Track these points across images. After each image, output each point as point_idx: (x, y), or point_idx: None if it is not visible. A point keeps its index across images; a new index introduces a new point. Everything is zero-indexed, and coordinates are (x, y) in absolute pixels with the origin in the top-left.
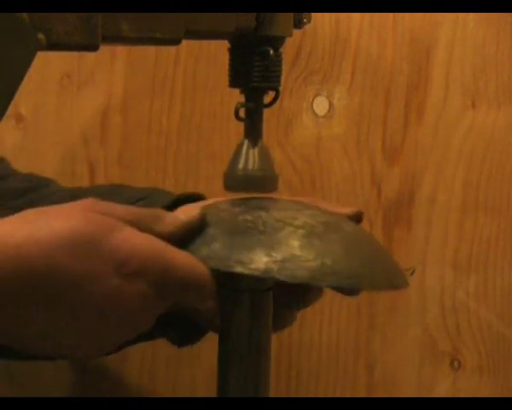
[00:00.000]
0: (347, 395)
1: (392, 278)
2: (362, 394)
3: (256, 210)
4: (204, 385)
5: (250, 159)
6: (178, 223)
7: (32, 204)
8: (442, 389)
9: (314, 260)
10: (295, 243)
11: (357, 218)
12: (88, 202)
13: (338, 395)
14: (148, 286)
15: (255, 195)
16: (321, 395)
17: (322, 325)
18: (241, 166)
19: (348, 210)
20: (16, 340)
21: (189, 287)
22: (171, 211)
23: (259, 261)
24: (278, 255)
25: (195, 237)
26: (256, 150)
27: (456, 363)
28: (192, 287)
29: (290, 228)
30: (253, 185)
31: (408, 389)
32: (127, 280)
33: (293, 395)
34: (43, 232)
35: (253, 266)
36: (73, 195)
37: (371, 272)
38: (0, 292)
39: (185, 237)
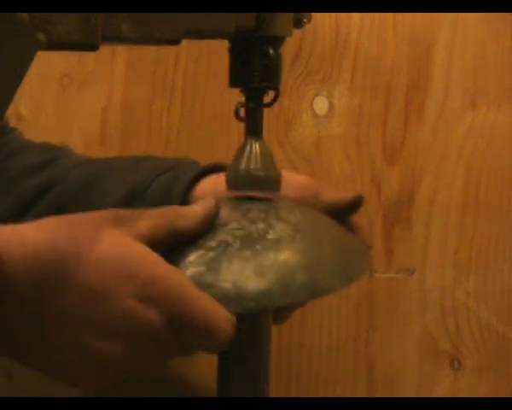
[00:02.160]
0: (347, 395)
1: (339, 275)
2: (362, 394)
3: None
4: (204, 385)
5: (252, 159)
6: (198, 218)
7: (51, 181)
8: (442, 388)
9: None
10: (202, 269)
11: (356, 202)
12: (110, 217)
13: (338, 395)
14: (160, 317)
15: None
16: (321, 395)
17: (323, 324)
18: (243, 165)
19: (348, 195)
20: (24, 355)
21: (205, 331)
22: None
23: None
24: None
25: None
26: (258, 150)
27: (456, 363)
28: (209, 332)
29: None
30: (256, 185)
31: (408, 389)
32: (142, 304)
33: (293, 395)
34: (68, 245)
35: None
36: (93, 173)
37: (284, 286)
38: (15, 297)
39: (204, 230)
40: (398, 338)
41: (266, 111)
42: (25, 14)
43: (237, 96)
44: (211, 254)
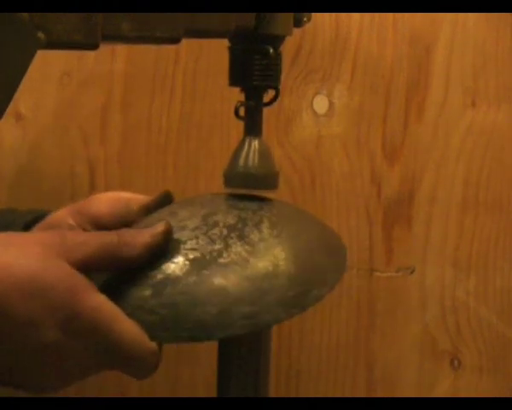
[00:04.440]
0: (347, 394)
1: (287, 305)
2: (362, 393)
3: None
4: (204, 385)
5: (250, 157)
6: (143, 247)
7: None
8: (442, 388)
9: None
10: (147, 292)
11: (165, 198)
12: (53, 240)
13: (338, 394)
14: (85, 350)
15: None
16: (321, 394)
17: (323, 324)
18: (241, 163)
19: (156, 195)
20: None
21: (130, 362)
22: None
23: None
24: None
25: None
26: (256, 148)
27: (456, 362)
28: (133, 363)
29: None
30: (254, 183)
31: (408, 389)
32: (67, 336)
33: (293, 395)
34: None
35: None
36: None
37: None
38: None
39: (152, 256)
40: (398, 337)
41: (266, 110)
42: (25, 14)
43: (237, 95)
44: (159, 276)
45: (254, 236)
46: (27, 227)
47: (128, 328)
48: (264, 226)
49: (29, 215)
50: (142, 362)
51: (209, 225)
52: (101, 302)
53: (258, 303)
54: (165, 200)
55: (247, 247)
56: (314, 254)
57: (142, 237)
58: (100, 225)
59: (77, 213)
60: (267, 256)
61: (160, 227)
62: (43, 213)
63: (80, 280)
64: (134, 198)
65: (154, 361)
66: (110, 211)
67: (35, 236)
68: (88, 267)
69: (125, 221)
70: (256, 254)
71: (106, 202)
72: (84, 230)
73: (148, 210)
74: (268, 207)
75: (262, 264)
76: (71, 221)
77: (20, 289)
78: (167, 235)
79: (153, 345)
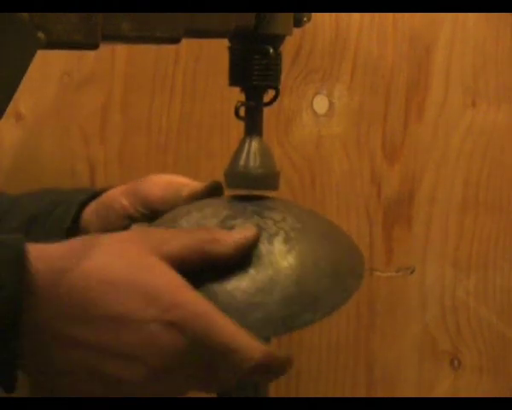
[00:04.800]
0: (347, 394)
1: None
2: (362, 393)
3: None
4: None
5: (251, 157)
6: (233, 244)
7: None
8: (442, 388)
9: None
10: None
11: (213, 188)
12: (137, 235)
13: (338, 394)
14: (183, 342)
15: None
16: (321, 394)
17: (322, 324)
18: (241, 163)
19: (206, 184)
20: (37, 378)
21: (228, 358)
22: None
23: None
24: None
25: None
26: (257, 148)
27: (456, 362)
28: (232, 360)
29: None
30: (254, 183)
31: (408, 389)
32: (165, 329)
33: (293, 394)
34: (91, 264)
35: None
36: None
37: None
38: (42, 310)
39: (242, 258)
40: (398, 337)
41: (266, 110)
42: (25, 14)
43: (237, 95)
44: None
45: (263, 247)
46: (83, 205)
47: (227, 322)
48: (277, 240)
49: (82, 194)
50: (242, 358)
51: (226, 228)
52: (197, 296)
53: (244, 317)
54: (215, 191)
55: (252, 257)
56: (320, 276)
57: (233, 236)
58: (151, 207)
59: (131, 193)
60: (268, 271)
61: (250, 230)
62: (95, 192)
63: (175, 275)
64: (186, 183)
65: (256, 357)
66: (162, 194)
67: (122, 235)
68: (180, 262)
69: (172, 206)
70: (258, 266)
71: (159, 185)
72: (136, 210)
73: (196, 198)
74: (292, 219)
75: (260, 277)
76: (124, 201)
77: (116, 287)
78: (256, 239)
79: (257, 341)
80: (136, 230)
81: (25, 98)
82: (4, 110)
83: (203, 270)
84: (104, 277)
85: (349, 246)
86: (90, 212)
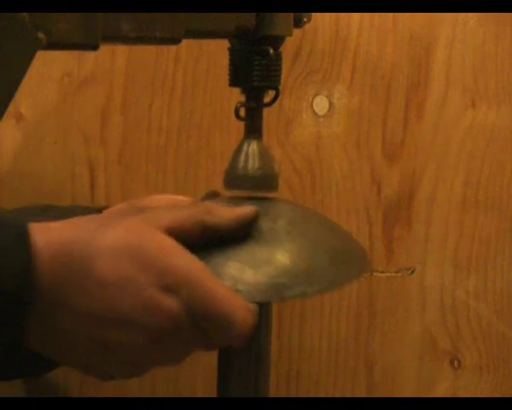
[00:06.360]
0: (347, 394)
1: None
2: (362, 393)
3: None
4: (204, 385)
5: (250, 158)
6: (232, 216)
7: None
8: (442, 388)
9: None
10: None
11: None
12: (131, 207)
13: (338, 395)
14: (179, 305)
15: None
16: (321, 395)
17: (322, 324)
18: (241, 165)
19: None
20: (46, 350)
21: (223, 318)
22: None
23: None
24: None
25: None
26: (256, 149)
27: (455, 362)
28: (226, 321)
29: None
30: (254, 184)
31: (408, 389)
32: (161, 293)
33: (293, 395)
34: (88, 235)
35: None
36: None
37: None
38: (45, 283)
39: (238, 232)
40: (398, 337)
41: (266, 110)
42: (25, 14)
43: (237, 95)
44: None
45: (265, 225)
46: None
47: (220, 284)
48: (280, 221)
49: (83, 211)
50: (236, 319)
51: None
52: (192, 259)
53: (237, 283)
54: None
55: (254, 232)
56: (319, 254)
57: (228, 210)
58: None
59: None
60: (268, 245)
61: (249, 207)
62: (91, 209)
63: (170, 241)
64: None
65: (248, 319)
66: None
67: (116, 212)
68: (178, 231)
69: None
70: (258, 240)
71: (162, 203)
72: None
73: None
74: (293, 216)
75: (258, 249)
76: None
77: (109, 252)
78: (256, 216)
79: (247, 302)
80: (130, 202)
81: (25, 99)
82: (4, 111)
83: (205, 243)
84: (100, 245)
85: (352, 240)
86: None
